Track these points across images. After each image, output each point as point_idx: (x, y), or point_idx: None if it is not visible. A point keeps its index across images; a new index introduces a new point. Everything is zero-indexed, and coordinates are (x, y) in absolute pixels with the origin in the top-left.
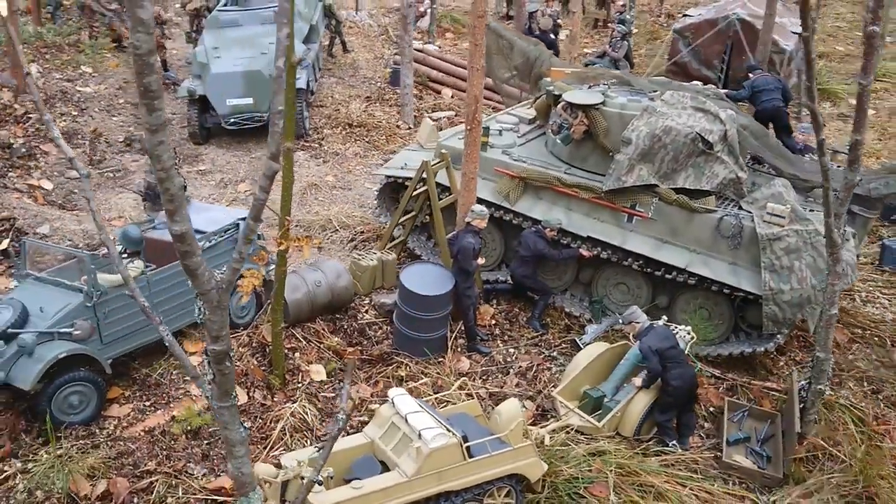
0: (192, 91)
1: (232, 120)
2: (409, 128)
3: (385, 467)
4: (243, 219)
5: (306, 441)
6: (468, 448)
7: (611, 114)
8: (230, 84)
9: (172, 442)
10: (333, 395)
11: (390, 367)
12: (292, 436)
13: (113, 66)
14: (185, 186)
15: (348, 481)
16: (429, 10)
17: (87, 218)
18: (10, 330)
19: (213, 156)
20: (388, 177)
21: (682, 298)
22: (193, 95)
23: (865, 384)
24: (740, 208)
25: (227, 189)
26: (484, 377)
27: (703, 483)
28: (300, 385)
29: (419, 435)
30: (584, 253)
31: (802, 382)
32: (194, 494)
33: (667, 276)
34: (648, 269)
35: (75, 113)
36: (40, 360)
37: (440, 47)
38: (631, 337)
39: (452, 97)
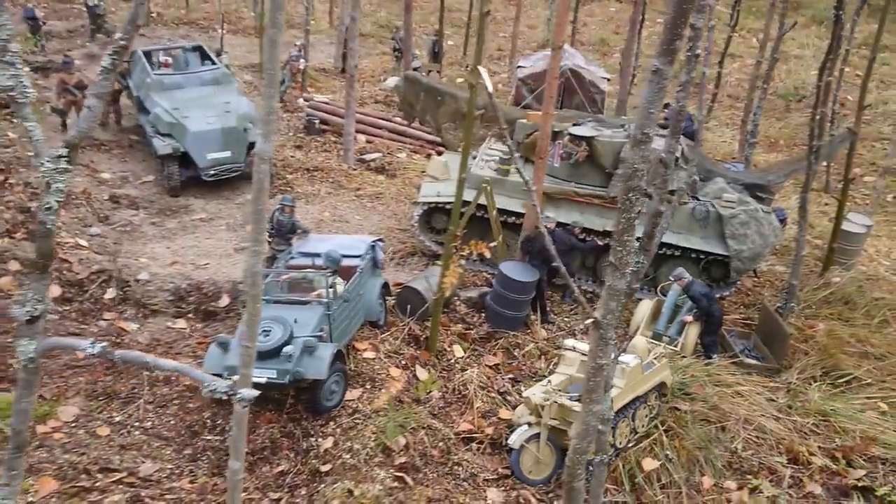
0: (177, 148)
1: (212, 172)
2: (355, 169)
3: None
4: (374, 241)
5: (493, 395)
6: (643, 366)
7: (604, 142)
8: (210, 140)
9: (409, 409)
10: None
11: (501, 341)
12: (478, 394)
13: None
14: (307, 231)
15: None
16: (303, 66)
17: (175, 259)
18: (296, 337)
19: (200, 205)
20: (426, 204)
21: (665, 267)
22: (177, 152)
23: None
24: (698, 200)
25: (238, 233)
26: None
27: (744, 377)
28: (452, 360)
29: (616, 361)
30: (600, 243)
31: (778, 304)
32: (453, 438)
33: (658, 252)
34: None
35: None
36: (324, 356)
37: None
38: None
39: (367, 141)
